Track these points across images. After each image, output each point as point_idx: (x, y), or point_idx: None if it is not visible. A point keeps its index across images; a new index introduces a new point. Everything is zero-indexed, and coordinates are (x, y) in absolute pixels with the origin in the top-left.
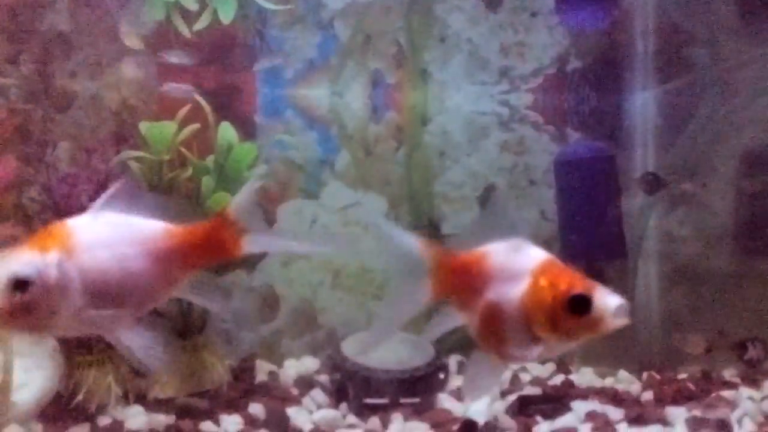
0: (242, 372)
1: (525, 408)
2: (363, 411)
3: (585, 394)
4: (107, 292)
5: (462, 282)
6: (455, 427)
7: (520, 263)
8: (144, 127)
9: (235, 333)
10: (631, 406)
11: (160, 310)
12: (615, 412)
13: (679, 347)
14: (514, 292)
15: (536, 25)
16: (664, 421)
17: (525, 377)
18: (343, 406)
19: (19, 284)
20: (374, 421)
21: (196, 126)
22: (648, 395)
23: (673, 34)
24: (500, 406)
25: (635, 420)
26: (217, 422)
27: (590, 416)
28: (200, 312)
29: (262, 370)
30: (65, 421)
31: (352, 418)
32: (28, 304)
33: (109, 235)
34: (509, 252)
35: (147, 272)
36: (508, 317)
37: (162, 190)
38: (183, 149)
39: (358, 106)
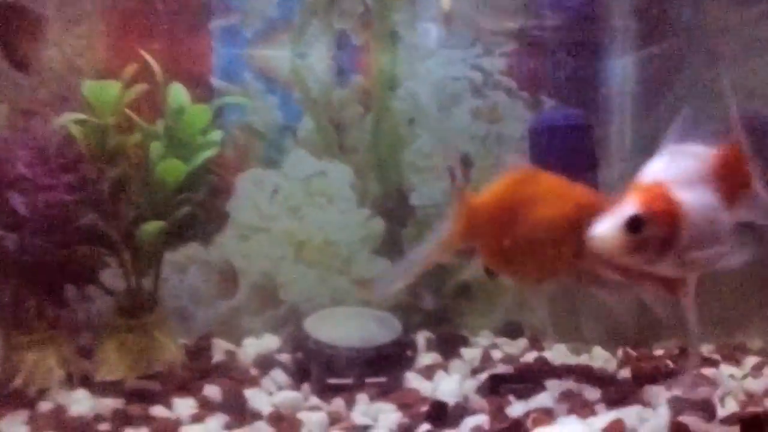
0: (197, 352)
1: (496, 387)
2: (326, 392)
3: (559, 372)
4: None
5: None
6: (424, 408)
7: None
8: (86, 87)
9: (189, 310)
10: (608, 385)
11: (108, 286)
12: (591, 392)
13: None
14: None
15: None
16: (644, 402)
17: (496, 354)
18: (305, 387)
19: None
20: (338, 403)
21: (142, 86)
22: (625, 373)
23: None
24: (470, 385)
25: (614, 400)
26: (169, 406)
27: (566, 396)
28: (150, 288)
29: (219, 349)
30: (2, 407)
31: (314, 400)
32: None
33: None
34: None
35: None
36: None
37: (106, 156)
38: (129, 112)
39: (322, 69)
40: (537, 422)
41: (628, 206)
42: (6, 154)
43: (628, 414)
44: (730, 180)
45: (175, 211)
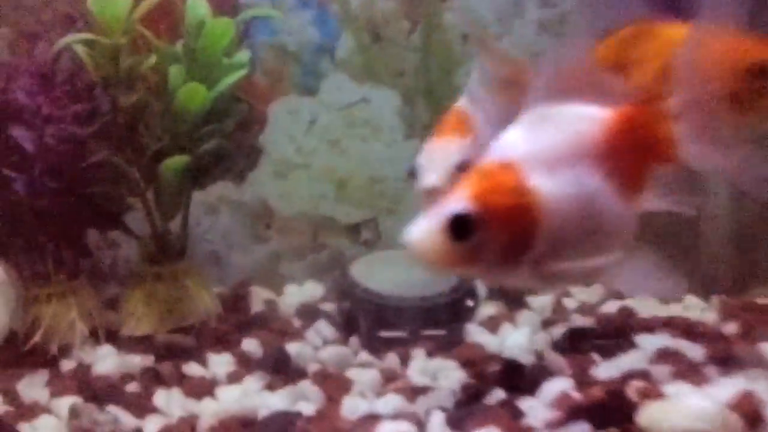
0: (234, 302)
1: (577, 344)
2: (377, 346)
3: (650, 325)
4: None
5: None
6: (490, 367)
7: None
8: (93, 3)
9: (223, 256)
10: (714, 342)
11: (132, 230)
12: (694, 350)
13: None
14: None
15: None
16: (765, 364)
17: (570, 304)
18: (354, 340)
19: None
20: (391, 358)
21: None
22: (730, 327)
23: None
24: (543, 339)
25: (725, 362)
26: (203, 363)
27: (663, 355)
28: (179, 232)
29: (258, 298)
30: (20, 367)
31: (364, 355)
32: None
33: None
34: None
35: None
36: None
37: (120, 81)
38: (143, 30)
39: None
40: (644, 394)
41: (455, 200)
42: (7, 83)
43: (755, 381)
44: (633, 155)
45: (201, 144)
